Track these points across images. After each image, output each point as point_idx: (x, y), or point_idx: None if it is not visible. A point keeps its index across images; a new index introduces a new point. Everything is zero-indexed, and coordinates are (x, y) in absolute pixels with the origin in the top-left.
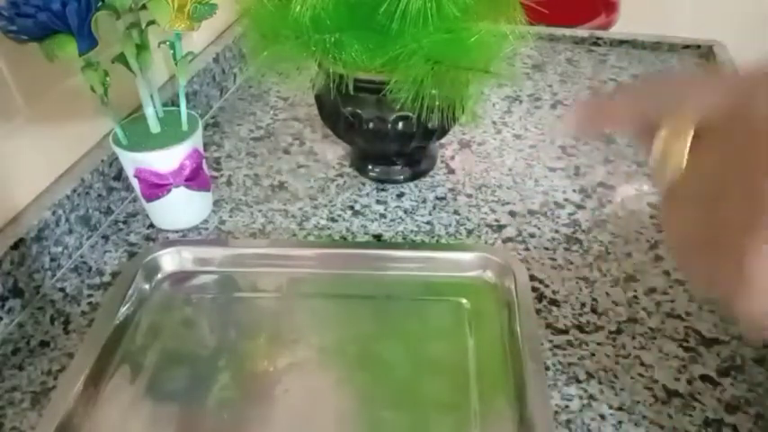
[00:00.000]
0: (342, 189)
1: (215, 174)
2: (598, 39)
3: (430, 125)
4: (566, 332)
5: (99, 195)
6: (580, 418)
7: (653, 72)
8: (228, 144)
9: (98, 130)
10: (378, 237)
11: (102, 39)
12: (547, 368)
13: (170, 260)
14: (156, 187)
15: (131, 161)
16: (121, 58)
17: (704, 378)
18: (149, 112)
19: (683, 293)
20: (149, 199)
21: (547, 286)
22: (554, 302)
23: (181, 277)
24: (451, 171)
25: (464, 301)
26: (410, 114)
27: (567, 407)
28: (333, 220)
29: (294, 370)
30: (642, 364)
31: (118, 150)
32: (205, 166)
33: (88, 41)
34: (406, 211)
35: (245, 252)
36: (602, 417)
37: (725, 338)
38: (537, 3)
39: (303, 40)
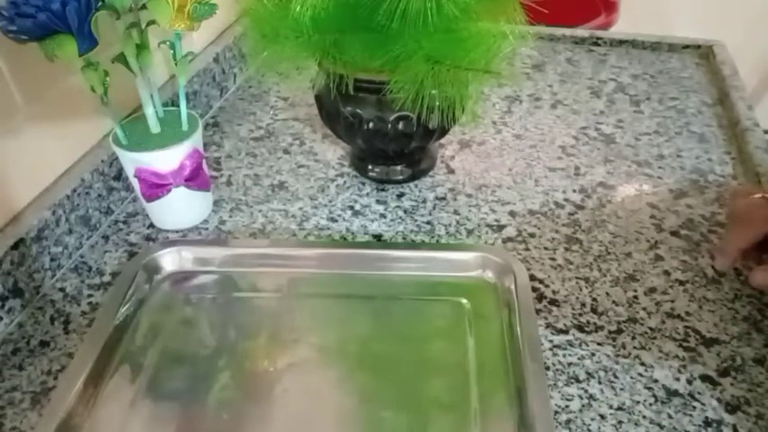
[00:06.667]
0: (342, 189)
1: (215, 174)
2: (598, 39)
3: (430, 125)
4: (566, 332)
5: (99, 195)
6: (580, 418)
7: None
8: (228, 144)
9: (98, 130)
10: (378, 237)
11: (102, 39)
12: (547, 368)
13: (170, 260)
14: (156, 187)
15: (131, 161)
16: (121, 58)
17: (704, 378)
18: (149, 112)
19: (683, 293)
20: (149, 199)
21: (547, 286)
22: (554, 302)
23: (181, 277)
24: (451, 171)
25: (464, 301)
26: (410, 114)
27: (567, 407)
28: (333, 220)
29: (294, 370)
30: (642, 364)
31: (118, 150)
32: (205, 166)
33: (88, 41)
34: (406, 211)
35: (245, 252)
36: (602, 417)
37: (725, 338)
38: (537, 3)
39: (303, 40)
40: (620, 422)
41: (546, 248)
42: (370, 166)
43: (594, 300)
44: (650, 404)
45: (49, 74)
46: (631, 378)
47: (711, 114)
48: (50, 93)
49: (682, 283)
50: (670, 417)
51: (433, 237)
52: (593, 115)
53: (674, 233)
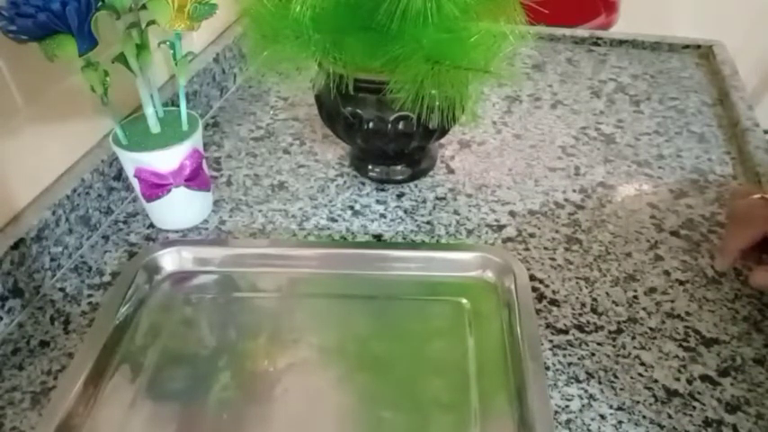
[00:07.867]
0: (342, 189)
1: (215, 174)
2: (598, 39)
3: (430, 125)
4: (566, 332)
5: (99, 195)
6: (580, 418)
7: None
8: (228, 144)
9: (98, 130)
10: (378, 237)
11: (102, 39)
12: (547, 368)
13: (170, 260)
14: (156, 187)
15: (131, 161)
16: (121, 58)
17: (704, 378)
18: (149, 112)
19: (683, 293)
20: (149, 199)
21: (547, 286)
22: (554, 302)
23: (181, 277)
24: (451, 171)
25: (464, 301)
26: (410, 114)
27: (567, 407)
28: (333, 220)
29: (294, 370)
30: (642, 364)
31: (118, 150)
32: (205, 166)
33: (88, 41)
34: (406, 211)
35: (245, 252)
36: (602, 417)
37: (725, 338)
38: (537, 3)
39: (303, 40)
40: (620, 422)
41: (546, 248)
42: (370, 166)
43: (594, 300)
44: (650, 404)
45: (49, 74)
46: (631, 378)
47: (711, 114)
48: (50, 93)
49: (682, 283)
50: (670, 417)
51: (433, 237)
52: (593, 115)
53: (674, 233)
